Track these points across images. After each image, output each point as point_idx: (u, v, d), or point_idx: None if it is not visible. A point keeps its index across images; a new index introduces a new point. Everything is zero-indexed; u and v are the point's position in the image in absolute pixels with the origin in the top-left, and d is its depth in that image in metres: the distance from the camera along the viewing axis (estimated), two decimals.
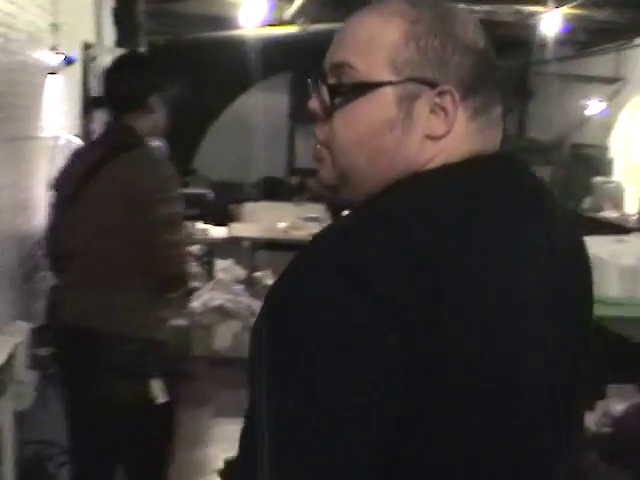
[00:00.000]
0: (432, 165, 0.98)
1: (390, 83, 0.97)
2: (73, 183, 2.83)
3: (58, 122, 5.31)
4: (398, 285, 0.86)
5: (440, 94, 0.98)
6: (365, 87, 0.97)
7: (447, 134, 0.99)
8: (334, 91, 0.99)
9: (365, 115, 0.98)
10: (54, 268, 3.02)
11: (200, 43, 9.09)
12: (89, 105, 4.57)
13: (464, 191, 0.96)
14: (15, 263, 4.66)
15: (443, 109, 0.98)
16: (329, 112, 1.00)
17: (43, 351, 3.15)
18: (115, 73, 3.02)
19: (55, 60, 5.04)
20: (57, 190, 3.00)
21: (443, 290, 0.87)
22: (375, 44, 0.97)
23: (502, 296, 0.94)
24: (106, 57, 6.42)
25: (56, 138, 5.35)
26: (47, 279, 5.21)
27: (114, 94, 2.97)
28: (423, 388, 0.88)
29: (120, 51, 6.81)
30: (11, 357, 2.60)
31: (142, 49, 6.94)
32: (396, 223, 0.90)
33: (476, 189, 0.97)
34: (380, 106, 0.97)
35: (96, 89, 6.07)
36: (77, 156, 3.09)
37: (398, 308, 0.85)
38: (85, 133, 5.93)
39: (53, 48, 5.02)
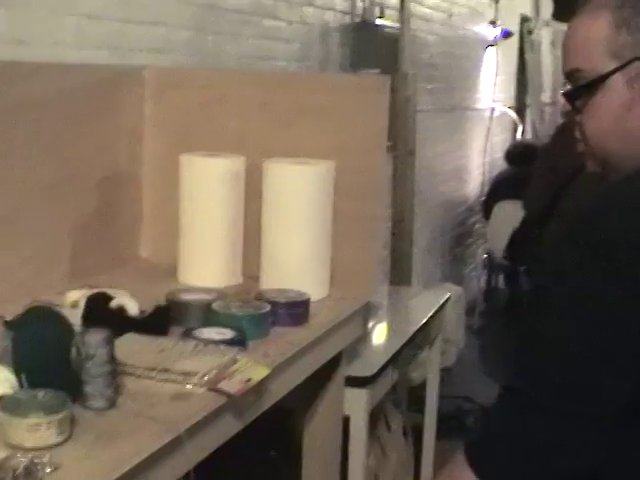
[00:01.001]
0: None
1: (615, 70, 1.03)
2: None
3: (493, 94, 5.45)
4: (627, 257, 0.94)
5: None
6: (596, 83, 1.05)
7: None
8: (573, 96, 1.09)
9: (604, 106, 1.05)
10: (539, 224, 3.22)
11: None
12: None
13: None
14: (447, 228, 4.90)
15: None
16: (576, 114, 1.09)
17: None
18: None
19: (493, 33, 5.18)
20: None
21: None
22: (591, 42, 1.05)
23: None
24: (543, 30, 6.46)
25: (491, 110, 5.50)
26: (476, 244, 5.42)
27: None
28: None
29: (556, 24, 6.81)
30: (441, 315, 2.74)
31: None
32: (623, 205, 0.99)
33: None
34: (614, 93, 1.04)
35: (532, 62, 6.14)
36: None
37: (628, 276, 0.94)
38: (519, 106, 6.03)
39: (492, 22, 5.16)
